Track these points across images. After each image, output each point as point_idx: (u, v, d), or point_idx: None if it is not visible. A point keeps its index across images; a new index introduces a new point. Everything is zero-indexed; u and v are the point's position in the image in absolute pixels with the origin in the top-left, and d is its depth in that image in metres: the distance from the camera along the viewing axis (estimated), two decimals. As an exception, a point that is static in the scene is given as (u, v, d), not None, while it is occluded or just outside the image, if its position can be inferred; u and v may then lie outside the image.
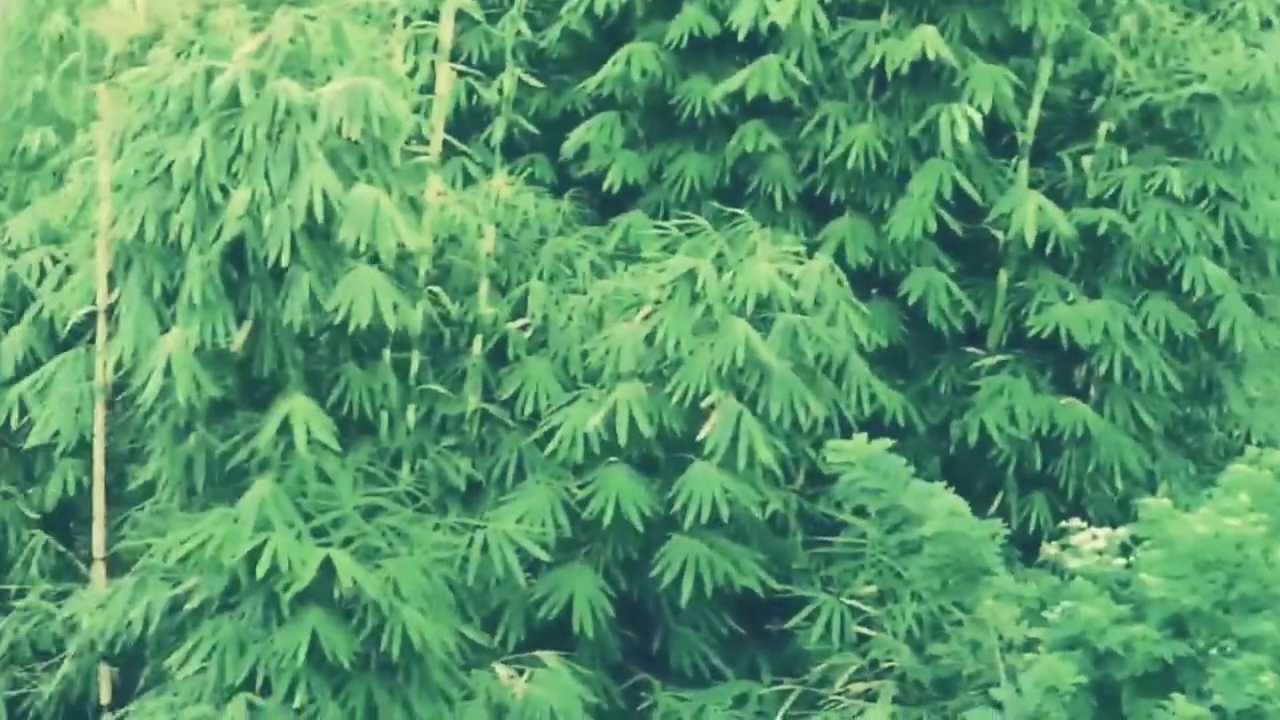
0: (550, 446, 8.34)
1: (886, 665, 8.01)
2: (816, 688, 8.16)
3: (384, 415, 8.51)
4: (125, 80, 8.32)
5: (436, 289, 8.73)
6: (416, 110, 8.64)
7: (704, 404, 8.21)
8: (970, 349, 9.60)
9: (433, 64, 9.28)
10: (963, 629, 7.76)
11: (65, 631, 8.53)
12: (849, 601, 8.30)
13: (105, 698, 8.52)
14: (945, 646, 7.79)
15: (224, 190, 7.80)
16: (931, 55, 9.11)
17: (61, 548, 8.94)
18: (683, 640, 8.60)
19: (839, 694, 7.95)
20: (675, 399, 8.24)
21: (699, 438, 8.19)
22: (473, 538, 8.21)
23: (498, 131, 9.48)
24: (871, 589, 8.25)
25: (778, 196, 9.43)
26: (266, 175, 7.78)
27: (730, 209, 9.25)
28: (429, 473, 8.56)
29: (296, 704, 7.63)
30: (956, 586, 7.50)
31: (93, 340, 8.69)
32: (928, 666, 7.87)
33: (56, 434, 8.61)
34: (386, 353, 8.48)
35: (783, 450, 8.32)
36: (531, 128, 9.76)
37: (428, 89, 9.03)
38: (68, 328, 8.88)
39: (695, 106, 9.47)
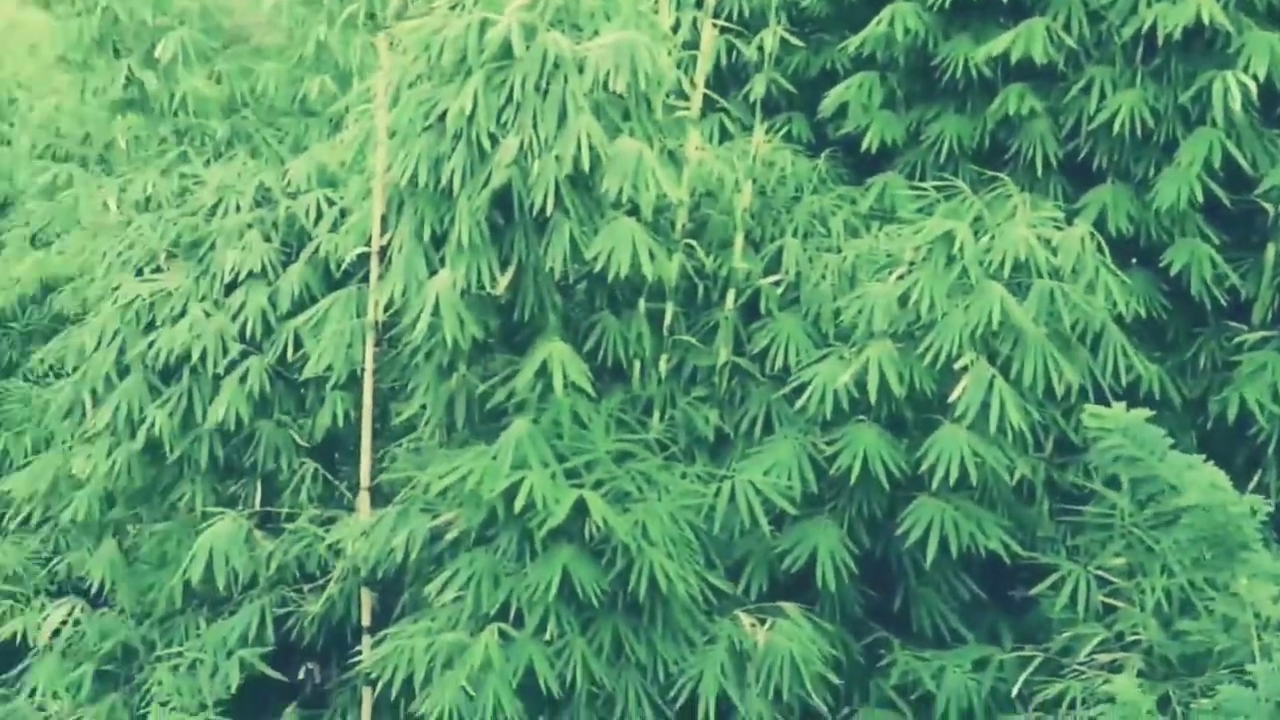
0: (800, 402, 8.40)
1: (1133, 638, 7.87)
2: (1059, 656, 8.08)
3: (636, 364, 8.72)
4: (402, 31, 8.64)
5: (692, 242, 8.88)
6: (678, 65, 8.78)
7: (956, 366, 8.18)
8: (1233, 323, 9.33)
9: (695, 20, 9.40)
10: (1214, 605, 7.59)
11: (330, 556, 8.91)
12: (1096, 572, 8.19)
13: (366, 620, 8.88)
14: (1196, 623, 7.63)
15: (493, 139, 8.07)
16: (1206, 20, 8.86)
17: (328, 476, 9.34)
18: (924, 601, 8.59)
19: (1082, 664, 7.85)
20: (927, 360, 8.23)
21: (950, 399, 8.16)
22: (720, 487, 8.34)
23: (757, 89, 9.55)
24: (1120, 560, 8.10)
25: (1038, 161, 9.30)
26: (535, 125, 8.02)
27: (989, 172, 9.18)
28: (678, 422, 8.72)
29: (546, 636, 7.90)
30: (1212, 562, 7.33)
31: (365, 279, 9.04)
32: (1176, 642, 7.71)
33: (329, 368, 8.98)
34: (641, 302, 8.65)
35: (1034, 416, 8.25)
36: (789, 86, 9.82)
37: (689, 45, 9.17)
38: (342, 267, 9.27)
39: (957, 68, 9.39)
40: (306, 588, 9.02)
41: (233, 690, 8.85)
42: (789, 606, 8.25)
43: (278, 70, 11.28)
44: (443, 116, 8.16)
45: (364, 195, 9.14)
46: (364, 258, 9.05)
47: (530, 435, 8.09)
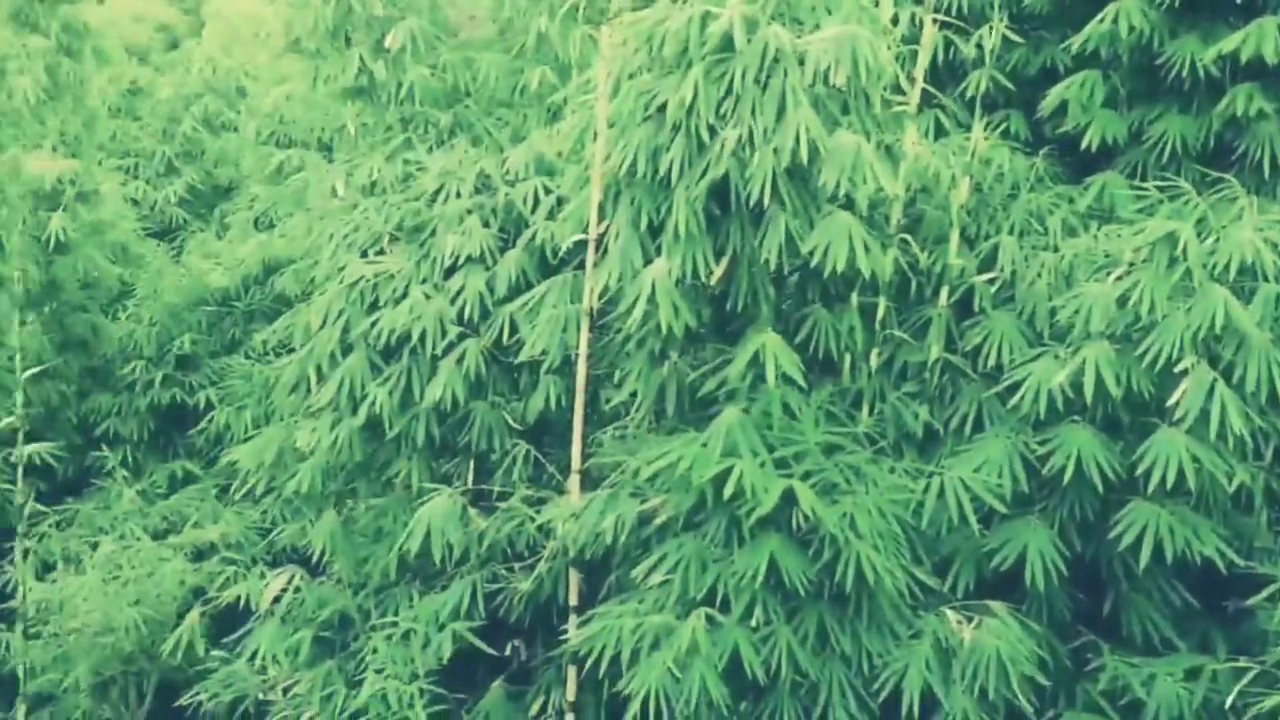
0: (1012, 400, 8.35)
1: (1354, 654, 7.68)
2: (1276, 669, 7.89)
3: (847, 357, 8.75)
4: (624, 23, 8.79)
5: (907, 237, 8.87)
6: (897, 60, 8.76)
7: (1176, 369, 8.03)
8: None
9: (914, 15, 9.39)
10: None
11: (540, 536, 9.08)
12: (1317, 585, 7.99)
13: (573, 600, 9.04)
14: None
15: (712, 130, 8.17)
16: None
17: (539, 457, 9.52)
18: (1135, 606, 8.45)
19: (1299, 678, 7.69)
20: (1145, 362, 8.10)
21: (1169, 403, 8.02)
22: (928, 483, 8.33)
23: (978, 84, 9.48)
24: (1343, 574, 7.90)
25: (1266, 163, 9.08)
26: (754, 117, 8.10)
27: (1214, 173, 8.98)
28: (887, 416, 8.73)
29: (752, 623, 7.97)
30: None
31: (580, 266, 9.21)
32: (1398, 660, 7.50)
33: (543, 352, 9.17)
34: (854, 296, 8.67)
35: (1255, 422, 8.05)
36: (1008, 83, 9.73)
37: (908, 40, 9.15)
38: (558, 254, 9.46)
39: (1183, 66, 9.21)
40: (516, 566, 9.20)
41: (444, 661, 9.09)
42: (996, 605, 8.20)
43: (498, 61, 11.54)
44: (663, 108, 8.29)
45: (581, 184, 9.31)
46: (580, 245, 9.22)
47: (741, 424, 8.17)
